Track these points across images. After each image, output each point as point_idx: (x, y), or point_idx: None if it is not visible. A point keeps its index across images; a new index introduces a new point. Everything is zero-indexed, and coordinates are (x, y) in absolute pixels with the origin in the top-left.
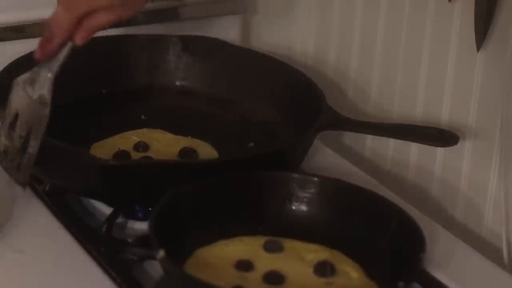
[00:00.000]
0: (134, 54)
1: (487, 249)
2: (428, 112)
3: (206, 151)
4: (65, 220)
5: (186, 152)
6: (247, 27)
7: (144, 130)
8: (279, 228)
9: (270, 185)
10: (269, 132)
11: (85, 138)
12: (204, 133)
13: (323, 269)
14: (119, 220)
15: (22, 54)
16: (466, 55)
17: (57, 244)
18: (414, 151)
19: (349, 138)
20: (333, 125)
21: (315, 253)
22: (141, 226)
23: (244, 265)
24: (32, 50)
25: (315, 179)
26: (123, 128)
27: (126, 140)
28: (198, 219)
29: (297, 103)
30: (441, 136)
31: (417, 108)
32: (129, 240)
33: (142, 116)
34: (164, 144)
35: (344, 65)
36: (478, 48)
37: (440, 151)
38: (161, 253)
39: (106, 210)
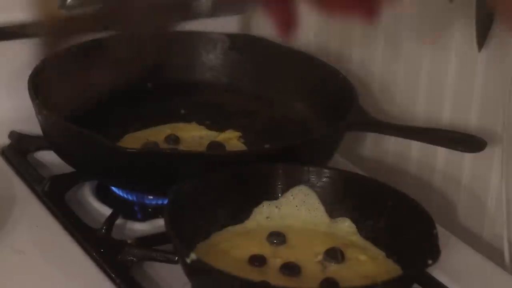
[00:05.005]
0: (181, 50)
1: (488, 250)
2: (428, 111)
3: (235, 146)
4: (65, 221)
5: (213, 147)
6: (247, 26)
7: (180, 124)
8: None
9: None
10: (306, 131)
11: (123, 128)
12: (239, 129)
13: (334, 255)
14: (119, 221)
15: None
16: (467, 55)
17: (57, 244)
18: (414, 151)
19: (348, 137)
20: (361, 126)
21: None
22: (141, 227)
23: (258, 260)
24: None
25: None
26: (161, 121)
27: (159, 133)
28: (200, 214)
29: (333, 102)
30: (468, 141)
31: (417, 107)
32: (129, 241)
33: (182, 111)
34: (195, 138)
35: (344, 61)
36: (480, 48)
37: (440, 150)
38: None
39: (106, 211)
